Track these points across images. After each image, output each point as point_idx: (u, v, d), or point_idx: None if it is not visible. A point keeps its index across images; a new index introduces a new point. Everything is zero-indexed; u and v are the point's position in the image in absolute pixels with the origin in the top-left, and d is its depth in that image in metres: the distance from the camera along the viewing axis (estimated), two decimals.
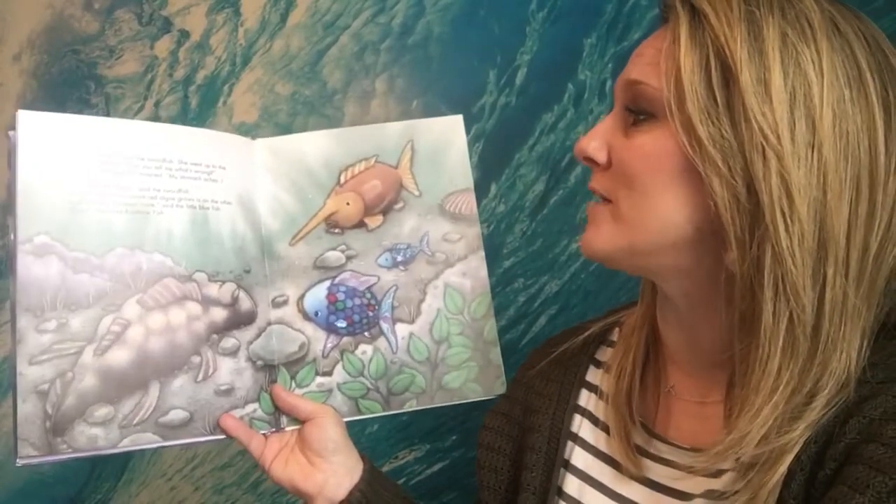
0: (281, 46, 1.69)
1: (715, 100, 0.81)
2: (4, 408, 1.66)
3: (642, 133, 0.88)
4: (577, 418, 1.08)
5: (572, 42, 1.67)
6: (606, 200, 0.92)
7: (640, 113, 0.89)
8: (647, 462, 0.98)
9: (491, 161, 1.66)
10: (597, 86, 1.68)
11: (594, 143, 0.93)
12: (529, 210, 1.70)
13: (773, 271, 0.79)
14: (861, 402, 0.80)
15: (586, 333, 1.12)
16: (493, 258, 1.18)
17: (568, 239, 1.69)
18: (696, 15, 0.84)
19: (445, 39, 1.68)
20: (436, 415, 1.71)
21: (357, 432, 1.64)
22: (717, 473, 0.89)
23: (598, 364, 1.11)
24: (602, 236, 0.91)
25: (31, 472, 1.68)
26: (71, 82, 1.67)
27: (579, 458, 1.05)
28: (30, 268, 0.95)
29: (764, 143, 0.78)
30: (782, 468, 0.81)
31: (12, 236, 0.95)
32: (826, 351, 0.81)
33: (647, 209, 0.87)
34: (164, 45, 1.68)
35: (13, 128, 0.97)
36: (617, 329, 1.12)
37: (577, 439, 1.06)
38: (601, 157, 0.92)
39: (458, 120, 1.20)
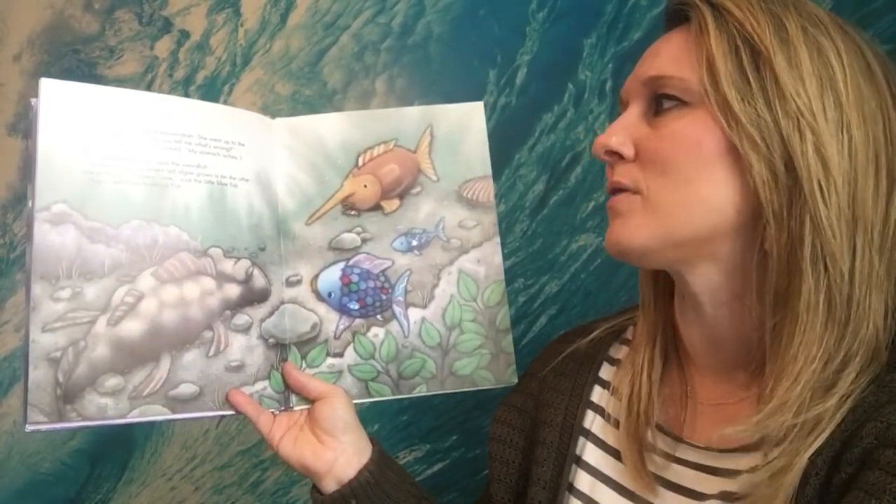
0: (281, 46, 1.69)
1: (748, 82, 0.85)
2: (4, 407, 1.65)
3: (674, 120, 0.90)
4: (590, 414, 1.08)
5: (572, 42, 1.68)
6: (634, 192, 0.92)
7: (665, 100, 0.91)
8: (663, 462, 0.97)
9: (491, 161, 1.66)
10: (597, 86, 1.69)
11: (617, 137, 0.93)
12: (529, 210, 1.70)
13: (812, 242, 0.82)
14: (878, 407, 0.80)
15: (600, 329, 1.12)
16: None
17: (568, 239, 1.70)
18: (716, 9, 0.89)
19: (445, 39, 1.69)
20: (436, 415, 1.71)
21: None
22: (733, 474, 0.89)
23: (613, 361, 1.11)
24: (636, 228, 0.91)
25: (31, 472, 1.67)
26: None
27: (591, 454, 1.05)
28: (46, 235, 0.95)
29: (800, 120, 0.82)
30: (818, 441, 0.81)
31: (30, 204, 0.96)
32: (857, 319, 0.83)
33: (688, 194, 0.88)
34: (164, 46, 1.68)
35: (35, 96, 0.98)
36: (631, 327, 1.12)
37: (589, 435, 1.06)
38: (628, 150, 0.93)
39: (478, 106, 1.20)
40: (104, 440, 1.68)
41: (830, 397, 0.82)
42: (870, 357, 0.84)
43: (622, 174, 0.93)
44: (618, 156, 0.94)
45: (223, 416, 1.06)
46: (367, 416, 1.67)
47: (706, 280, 0.92)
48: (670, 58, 0.91)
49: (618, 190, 0.94)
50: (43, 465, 1.67)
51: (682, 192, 0.88)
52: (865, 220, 0.83)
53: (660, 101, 0.91)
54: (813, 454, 0.80)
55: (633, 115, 0.94)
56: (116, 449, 1.70)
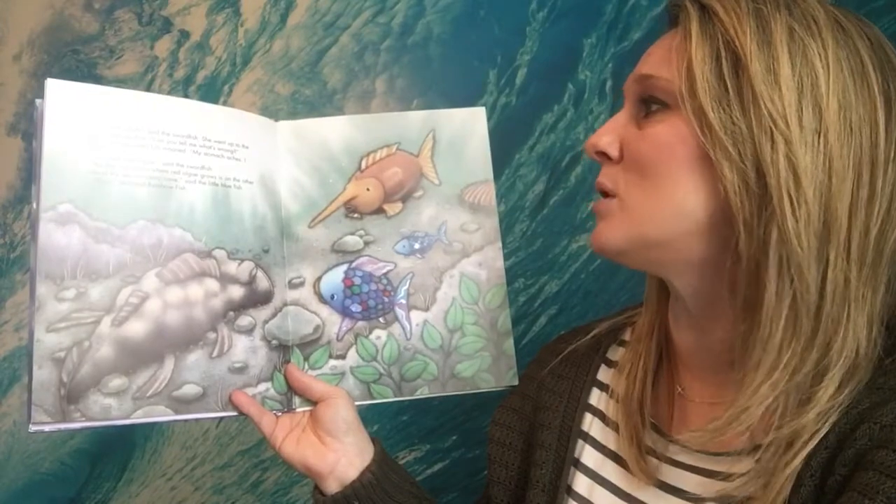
0: (281, 46, 1.69)
1: (726, 87, 0.84)
2: (4, 407, 1.65)
3: (655, 123, 0.90)
4: (588, 417, 1.08)
5: (572, 42, 1.68)
6: (611, 196, 0.93)
7: (652, 103, 0.91)
8: (658, 463, 0.97)
9: (491, 162, 1.66)
10: (597, 86, 1.69)
11: (606, 137, 0.94)
12: (529, 210, 1.70)
13: (778, 252, 0.81)
14: (872, 409, 0.80)
15: (597, 331, 1.12)
16: None
17: (568, 239, 1.70)
18: (705, 11, 0.88)
19: (445, 40, 1.69)
20: (436, 415, 1.71)
21: None
22: (729, 477, 0.88)
23: (610, 363, 1.11)
24: (614, 229, 0.92)
25: (31, 472, 1.67)
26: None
27: (590, 457, 1.05)
28: (51, 235, 0.95)
29: (773, 128, 0.81)
30: (798, 457, 0.81)
31: (35, 204, 0.95)
32: (827, 332, 0.82)
33: (661, 197, 0.88)
34: (164, 46, 1.69)
35: (38, 96, 0.98)
36: (629, 329, 1.12)
37: (587, 438, 1.06)
38: (613, 151, 0.93)
39: (480, 112, 1.21)
40: (104, 440, 1.69)
41: (807, 413, 0.81)
42: (850, 371, 0.83)
43: (606, 175, 0.94)
44: (605, 156, 0.95)
45: (226, 417, 1.05)
46: (368, 416, 1.66)
47: (686, 282, 0.93)
48: (659, 58, 0.91)
49: (602, 192, 0.96)
50: (43, 465, 1.68)
51: (655, 195, 0.88)
52: (839, 232, 0.81)
53: (648, 104, 0.92)
54: (807, 456, 0.81)
55: (623, 116, 0.95)
56: (116, 449, 1.70)
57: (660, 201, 0.88)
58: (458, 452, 1.73)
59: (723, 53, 0.85)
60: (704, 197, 0.86)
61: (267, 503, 1.73)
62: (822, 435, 0.81)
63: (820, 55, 0.82)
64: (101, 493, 1.70)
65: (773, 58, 0.82)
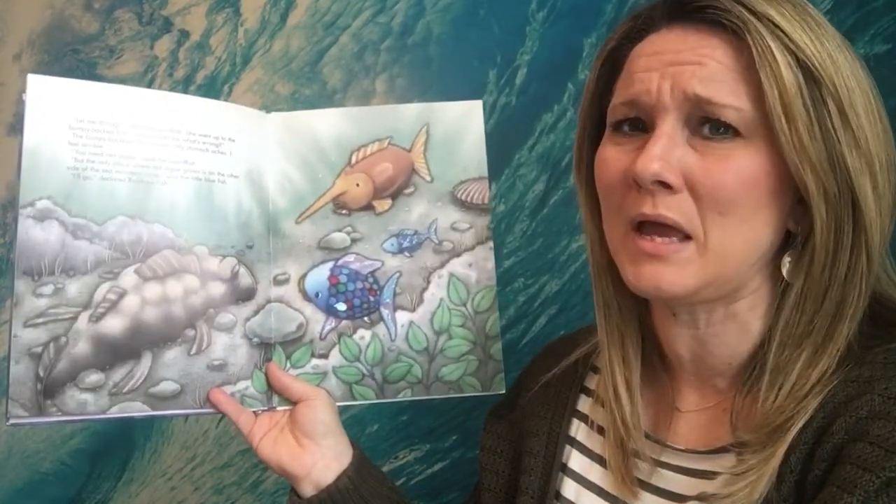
0: (281, 46, 1.69)
1: (810, 116, 0.80)
2: (4, 407, 1.65)
3: (733, 151, 0.83)
4: (575, 422, 1.08)
5: (572, 42, 1.67)
6: (685, 238, 0.85)
7: (718, 127, 0.83)
8: (647, 467, 0.97)
9: (491, 161, 1.65)
10: None
11: (658, 163, 0.83)
12: (529, 210, 1.69)
13: (863, 275, 0.83)
14: (847, 402, 0.80)
15: (580, 350, 1.12)
16: None
17: (568, 239, 1.69)
18: (770, 27, 0.81)
19: (445, 39, 1.69)
20: (436, 414, 1.70)
21: (357, 432, 1.63)
22: (710, 475, 0.89)
23: (597, 370, 1.10)
24: (688, 275, 0.85)
25: (31, 472, 1.68)
26: None
27: (576, 461, 1.05)
28: (30, 231, 0.96)
29: (866, 160, 0.81)
30: (779, 450, 0.82)
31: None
32: (849, 325, 0.86)
33: (742, 236, 0.84)
34: (164, 45, 1.69)
35: (24, 91, 0.99)
36: None
37: (574, 443, 1.06)
38: (676, 181, 0.83)
39: (476, 105, 1.19)
40: (104, 440, 1.69)
41: (816, 395, 0.83)
42: (844, 356, 0.85)
43: (670, 208, 0.84)
44: (666, 185, 0.84)
45: (204, 414, 1.05)
46: (367, 415, 1.67)
47: (710, 306, 0.91)
48: (721, 78, 0.83)
49: (658, 224, 0.86)
50: (43, 465, 1.68)
51: (737, 233, 0.84)
52: (884, 245, 0.85)
53: (711, 126, 0.84)
54: (787, 451, 0.81)
55: (672, 137, 0.84)
56: (116, 449, 1.70)
57: (742, 240, 0.84)
58: (458, 452, 1.72)
59: (801, 79, 0.80)
60: (773, 230, 0.85)
61: (267, 503, 1.73)
62: (809, 415, 0.82)
63: (853, 73, 0.82)
64: (101, 493, 1.70)
65: (845, 77, 0.81)
